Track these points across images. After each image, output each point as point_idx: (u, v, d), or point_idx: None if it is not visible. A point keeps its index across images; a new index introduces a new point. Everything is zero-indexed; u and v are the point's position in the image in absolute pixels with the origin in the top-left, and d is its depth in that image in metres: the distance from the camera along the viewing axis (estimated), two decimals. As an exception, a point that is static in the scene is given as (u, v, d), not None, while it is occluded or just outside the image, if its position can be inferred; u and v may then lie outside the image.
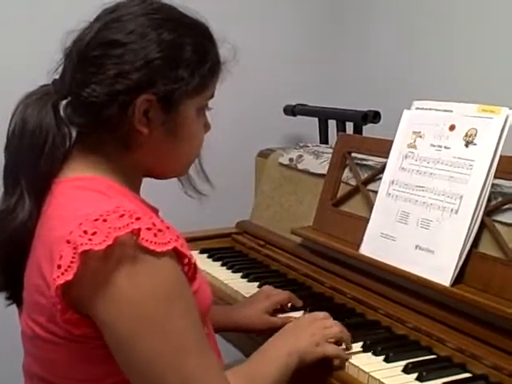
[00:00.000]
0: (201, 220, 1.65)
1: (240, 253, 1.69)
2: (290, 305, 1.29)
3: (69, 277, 0.80)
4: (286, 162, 1.73)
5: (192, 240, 1.56)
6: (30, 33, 1.85)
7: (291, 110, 2.14)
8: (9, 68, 1.83)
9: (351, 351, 1.10)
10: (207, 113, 1.02)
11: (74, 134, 0.96)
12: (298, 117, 2.15)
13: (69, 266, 0.80)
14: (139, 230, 0.81)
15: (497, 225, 1.15)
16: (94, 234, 0.80)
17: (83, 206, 0.86)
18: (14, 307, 1.02)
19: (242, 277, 1.49)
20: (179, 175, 1.06)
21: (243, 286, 1.43)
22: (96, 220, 0.81)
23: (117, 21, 0.92)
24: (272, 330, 1.11)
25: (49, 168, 0.93)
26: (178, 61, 0.92)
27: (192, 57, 0.93)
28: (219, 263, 1.59)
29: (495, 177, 1.16)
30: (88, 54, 0.91)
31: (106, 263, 0.81)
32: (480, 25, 1.78)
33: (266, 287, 1.33)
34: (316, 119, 2.10)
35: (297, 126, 2.24)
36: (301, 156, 1.70)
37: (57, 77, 0.96)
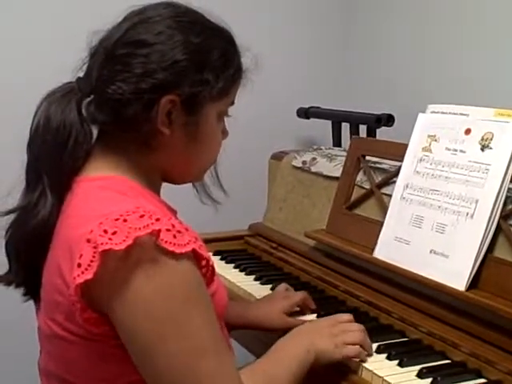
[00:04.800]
0: (214, 222, 1.64)
1: (253, 255, 1.68)
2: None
3: (89, 276, 0.80)
4: (300, 164, 1.73)
5: (205, 242, 1.53)
6: (52, 34, 1.88)
7: (304, 113, 2.13)
8: (29, 69, 1.85)
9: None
10: (225, 120, 1.02)
11: (95, 132, 0.97)
12: (312, 119, 2.14)
13: (89, 265, 0.80)
14: (159, 231, 0.82)
15: (513, 229, 1.14)
16: (114, 233, 0.81)
17: (103, 205, 0.87)
18: (29, 304, 1.02)
19: (255, 279, 1.49)
20: (196, 180, 1.07)
21: (256, 289, 1.43)
22: (116, 219, 0.82)
23: (145, 22, 0.93)
24: (289, 330, 1.09)
25: (71, 165, 0.93)
26: (203, 64, 0.93)
27: (218, 61, 0.94)
28: (232, 265, 1.59)
29: (511, 181, 1.15)
30: (115, 53, 0.92)
31: (125, 263, 0.81)
32: (496, 27, 1.77)
33: (281, 287, 1.32)
34: (329, 122, 2.09)
35: (310, 129, 2.23)
36: (314, 159, 1.70)
37: (80, 75, 0.97)
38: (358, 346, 1.06)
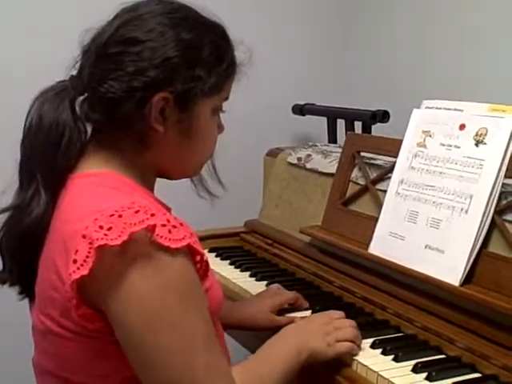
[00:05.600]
0: (209, 219, 1.64)
1: (248, 252, 1.69)
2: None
3: (84, 272, 0.80)
4: (295, 161, 1.73)
5: (200, 239, 1.53)
6: (51, 34, 1.87)
7: (300, 110, 2.14)
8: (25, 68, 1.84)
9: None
10: (221, 116, 1.02)
11: (89, 130, 0.97)
12: (307, 116, 2.15)
13: (84, 261, 0.80)
14: (154, 226, 0.82)
15: (507, 224, 1.14)
16: (109, 229, 0.81)
17: (98, 201, 0.87)
18: (23, 302, 1.02)
19: (251, 276, 1.49)
20: (192, 176, 1.06)
21: (251, 285, 1.43)
22: (111, 215, 0.82)
23: (136, 19, 0.93)
24: (277, 329, 1.09)
25: (64, 163, 0.93)
26: (195, 60, 0.93)
27: (209, 57, 0.94)
28: (227, 262, 1.59)
29: (505, 176, 1.15)
30: (107, 51, 0.92)
31: (121, 259, 0.81)
32: (491, 25, 1.78)
33: (274, 286, 1.33)
34: (325, 118, 2.09)
35: (305, 126, 2.24)
36: (309, 155, 1.70)
37: (74, 73, 0.97)
38: (350, 343, 1.07)
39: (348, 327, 1.09)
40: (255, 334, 1.27)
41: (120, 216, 0.81)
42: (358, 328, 1.11)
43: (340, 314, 1.13)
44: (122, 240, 0.80)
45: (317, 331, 1.06)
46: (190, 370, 0.84)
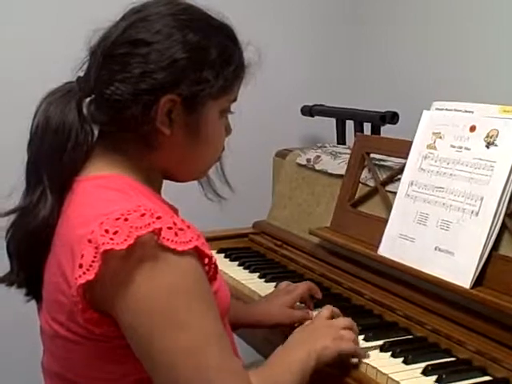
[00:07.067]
0: (218, 220, 1.64)
1: (257, 253, 1.68)
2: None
3: (90, 276, 0.80)
4: (304, 162, 1.73)
5: (209, 240, 1.54)
6: (54, 34, 1.87)
7: (309, 111, 2.13)
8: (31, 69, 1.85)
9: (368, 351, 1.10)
10: (229, 117, 1.02)
11: (96, 132, 0.96)
12: (316, 117, 2.14)
13: (90, 266, 0.80)
14: (160, 229, 0.81)
15: (518, 227, 1.14)
16: (115, 233, 0.80)
17: (104, 204, 0.86)
18: (31, 304, 1.02)
19: (260, 277, 1.49)
20: (198, 178, 1.06)
21: (260, 287, 1.43)
22: (117, 219, 0.81)
23: (143, 20, 0.92)
24: (292, 324, 1.09)
25: (71, 165, 0.93)
26: (203, 62, 0.92)
27: (217, 59, 0.93)
28: (236, 263, 1.59)
29: (516, 178, 1.15)
30: (113, 52, 0.91)
31: (127, 263, 0.81)
32: (500, 25, 1.77)
33: (284, 283, 1.32)
34: (334, 120, 2.09)
35: (314, 127, 2.23)
36: (318, 156, 1.69)
37: (81, 74, 0.96)
38: (353, 344, 1.06)
39: (342, 318, 1.10)
40: (266, 336, 1.27)
41: (126, 220, 0.81)
42: (366, 330, 1.11)
43: (327, 310, 1.12)
44: (128, 244, 0.80)
45: (320, 331, 1.05)
46: (202, 370, 0.84)
